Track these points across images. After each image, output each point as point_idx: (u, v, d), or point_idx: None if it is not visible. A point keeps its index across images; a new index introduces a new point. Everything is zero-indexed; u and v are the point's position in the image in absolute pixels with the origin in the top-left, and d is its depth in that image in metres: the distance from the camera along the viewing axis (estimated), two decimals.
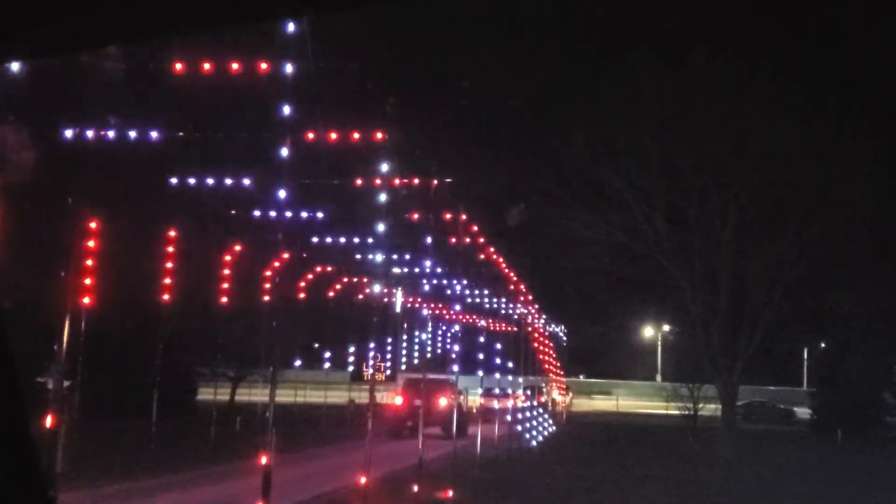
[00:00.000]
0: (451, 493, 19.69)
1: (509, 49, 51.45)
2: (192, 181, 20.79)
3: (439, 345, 47.02)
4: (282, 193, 16.33)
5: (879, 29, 37.05)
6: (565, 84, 55.84)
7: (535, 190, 34.88)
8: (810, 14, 37.33)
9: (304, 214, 23.18)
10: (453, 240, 23.14)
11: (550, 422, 42.53)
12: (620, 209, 33.33)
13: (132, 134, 17.08)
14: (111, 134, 17.13)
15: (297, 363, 36.15)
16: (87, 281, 16.41)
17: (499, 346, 30.81)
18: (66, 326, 13.16)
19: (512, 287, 32.65)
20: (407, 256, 28.17)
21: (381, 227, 17.97)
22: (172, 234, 23.51)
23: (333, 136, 17.60)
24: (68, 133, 15.68)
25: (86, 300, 16.44)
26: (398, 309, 33.02)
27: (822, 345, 54.27)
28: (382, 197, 17.37)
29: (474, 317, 38.19)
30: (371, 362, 25.28)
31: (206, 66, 15.31)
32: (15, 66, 9.86)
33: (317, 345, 42.25)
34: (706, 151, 32.24)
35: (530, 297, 36.47)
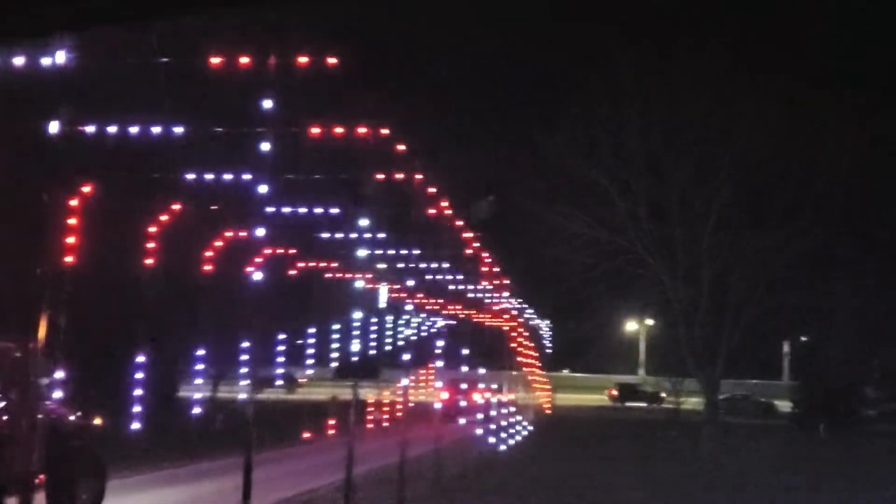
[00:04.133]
0: None
1: (492, 42, 51.29)
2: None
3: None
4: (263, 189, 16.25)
5: (863, 22, 37.17)
6: (547, 77, 55.80)
7: (517, 183, 34.80)
8: (794, 7, 37.40)
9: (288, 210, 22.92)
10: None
11: None
12: (603, 203, 33.31)
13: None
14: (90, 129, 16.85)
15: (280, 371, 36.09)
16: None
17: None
18: (44, 322, 12.98)
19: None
20: (391, 251, 27.97)
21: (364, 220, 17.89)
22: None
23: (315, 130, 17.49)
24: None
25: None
26: (383, 303, 32.88)
27: (804, 339, 54.49)
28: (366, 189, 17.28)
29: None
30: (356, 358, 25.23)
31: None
32: None
33: (299, 341, 41.98)
34: (688, 145, 32.27)
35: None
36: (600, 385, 69.04)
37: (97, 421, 15.96)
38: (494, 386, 37.58)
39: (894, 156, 34.65)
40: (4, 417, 13.69)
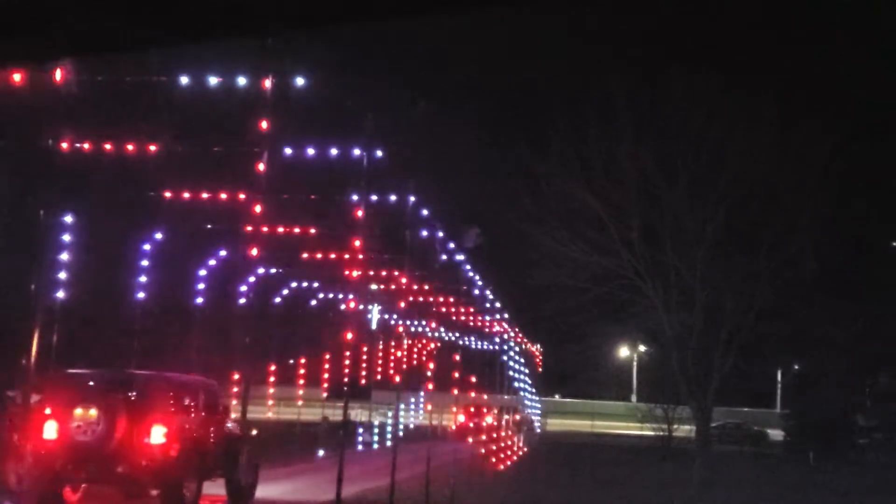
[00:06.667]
0: None
1: (486, 64, 51.60)
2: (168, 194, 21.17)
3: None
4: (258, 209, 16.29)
5: (856, 50, 37.53)
6: (541, 101, 56.11)
7: (510, 206, 34.80)
8: (788, 34, 37.73)
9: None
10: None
11: None
12: (595, 227, 33.30)
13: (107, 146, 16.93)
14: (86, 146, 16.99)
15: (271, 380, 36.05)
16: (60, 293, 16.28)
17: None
18: (35, 339, 12.97)
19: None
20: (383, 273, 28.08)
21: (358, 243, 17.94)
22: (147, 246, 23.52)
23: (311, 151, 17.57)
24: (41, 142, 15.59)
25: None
26: (374, 325, 32.87)
27: (796, 367, 54.41)
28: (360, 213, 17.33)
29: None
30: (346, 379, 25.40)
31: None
32: None
33: (291, 361, 41.86)
34: (681, 168, 32.33)
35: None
36: (591, 411, 68.80)
37: (253, 432, 21.86)
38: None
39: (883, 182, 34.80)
40: (206, 430, 18.67)
